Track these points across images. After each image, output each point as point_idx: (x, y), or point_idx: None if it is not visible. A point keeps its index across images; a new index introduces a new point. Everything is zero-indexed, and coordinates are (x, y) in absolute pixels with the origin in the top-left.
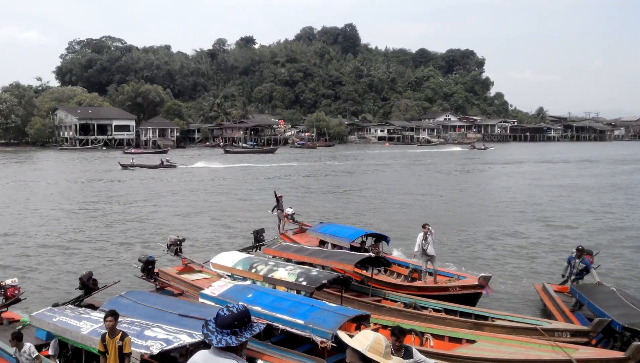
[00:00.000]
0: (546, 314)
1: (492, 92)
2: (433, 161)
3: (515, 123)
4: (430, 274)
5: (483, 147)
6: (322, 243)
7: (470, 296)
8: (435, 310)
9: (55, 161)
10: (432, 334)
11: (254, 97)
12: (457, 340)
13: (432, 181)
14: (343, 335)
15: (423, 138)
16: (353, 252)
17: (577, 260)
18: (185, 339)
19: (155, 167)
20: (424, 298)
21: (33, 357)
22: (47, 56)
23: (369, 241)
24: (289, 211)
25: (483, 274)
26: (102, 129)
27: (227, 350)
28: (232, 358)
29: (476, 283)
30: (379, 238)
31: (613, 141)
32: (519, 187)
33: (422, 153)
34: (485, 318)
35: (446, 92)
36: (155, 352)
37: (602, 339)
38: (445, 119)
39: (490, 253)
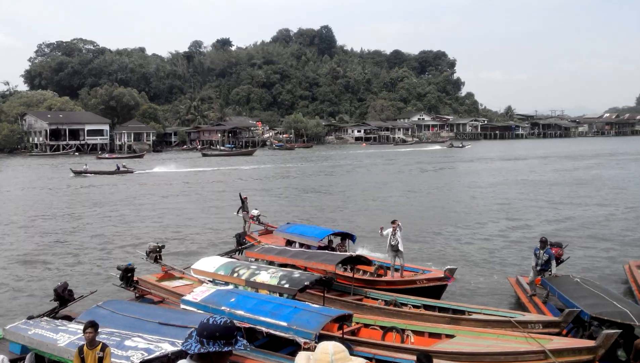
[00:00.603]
0: (520, 306)
1: (464, 92)
2: (412, 160)
3: (486, 122)
4: (397, 270)
5: (460, 145)
6: (290, 243)
7: (436, 289)
8: (414, 307)
9: (22, 168)
10: (412, 330)
11: (232, 99)
12: (437, 336)
13: (408, 179)
14: (299, 357)
15: (399, 137)
16: (334, 252)
17: (541, 251)
18: (167, 348)
19: (111, 173)
20: (402, 295)
21: None
22: (14, 59)
23: (336, 240)
24: (254, 212)
25: (449, 266)
26: (74, 134)
27: (199, 360)
28: None
29: (442, 275)
30: (345, 236)
31: (577, 138)
32: (491, 184)
33: (402, 152)
34: (463, 312)
35: (420, 92)
36: (137, 361)
37: (572, 329)
38: (419, 118)
39: (465, 249)
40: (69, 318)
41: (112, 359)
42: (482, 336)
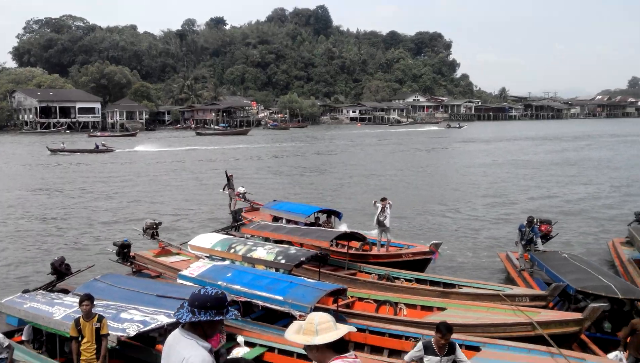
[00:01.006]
0: (510, 280)
1: (459, 73)
2: (406, 141)
3: (480, 103)
4: (383, 246)
5: (458, 126)
6: (277, 219)
7: (421, 262)
8: (406, 280)
9: (11, 145)
10: (405, 304)
11: (226, 79)
12: (429, 309)
13: (401, 159)
14: (289, 333)
15: (393, 118)
16: (329, 229)
17: (527, 229)
18: (162, 319)
19: (90, 152)
20: (395, 269)
21: (4, 345)
22: (2, 36)
23: (323, 217)
24: (240, 190)
25: (434, 241)
26: (65, 112)
27: (190, 329)
28: (192, 339)
29: (427, 249)
30: (331, 213)
31: (569, 119)
32: (482, 164)
33: (396, 132)
34: (453, 286)
35: (415, 73)
36: (132, 333)
37: (558, 302)
38: (414, 99)
39: (456, 226)
40: (66, 292)
41: (109, 332)
42: (472, 309)
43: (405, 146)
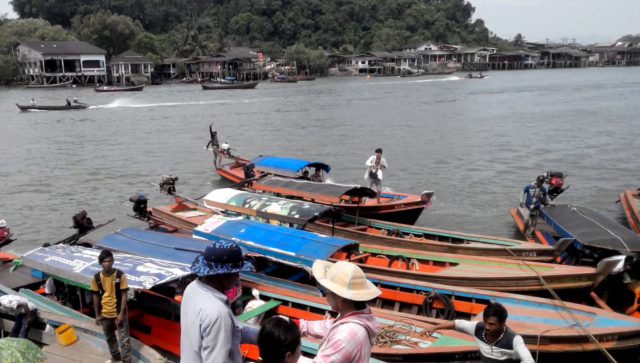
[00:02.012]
0: (520, 236)
1: (473, 19)
2: (417, 93)
3: (495, 51)
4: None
5: (479, 76)
6: (264, 174)
7: (413, 212)
8: (416, 236)
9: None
10: (417, 259)
11: (230, 28)
12: (441, 264)
13: (409, 112)
14: (316, 265)
15: (404, 68)
16: (339, 184)
17: (536, 189)
18: (177, 272)
19: (62, 108)
20: (404, 224)
21: (15, 307)
22: None
23: (311, 171)
24: (224, 146)
25: (426, 191)
26: (70, 66)
27: (207, 282)
28: (208, 291)
29: (419, 199)
30: (320, 167)
31: (587, 68)
32: (494, 116)
33: (408, 84)
34: (461, 241)
35: (427, 20)
36: (149, 286)
37: (567, 256)
38: (426, 48)
39: (466, 182)
40: (88, 245)
41: (128, 285)
42: (484, 264)
43: (413, 98)
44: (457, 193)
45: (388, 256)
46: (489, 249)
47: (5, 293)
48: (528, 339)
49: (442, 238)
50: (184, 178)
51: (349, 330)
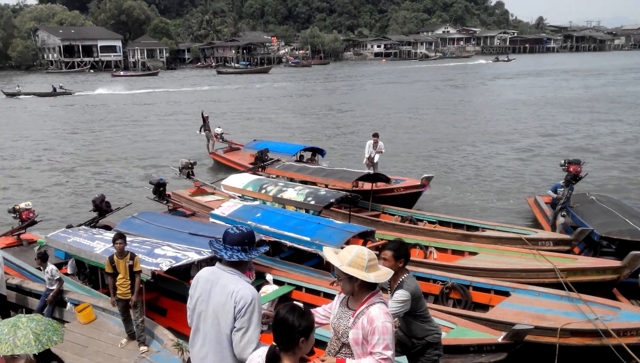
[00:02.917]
0: (537, 225)
1: (493, 1)
2: (434, 77)
3: (515, 34)
4: None
5: (506, 59)
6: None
7: (412, 196)
8: (429, 222)
9: (37, 85)
10: (435, 247)
11: (245, 12)
12: (460, 253)
13: (425, 97)
14: (327, 251)
15: (421, 52)
16: (351, 170)
17: (565, 189)
18: (193, 256)
19: (48, 95)
20: (417, 211)
21: (55, 278)
22: None
23: (307, 155)
24: (217, 130)
25: (425, 175)
26: (88, 51)
27: (232, 266)
28: (236, 274)
29: (418, 183)
30: (315, 151)
31: (612, 51)
32: (511, 101)
33: (424, 68)
34: (476, 228)
35: (446, 2)
36: (165, 268)
37: (585, 247)
38: (444, 31)
39: (482, 169)
40: (107, 228)
41: (142, 265)
42: (504, 254)
43: (432, 82)
44: (472, 180)
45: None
46: (505, 237)
47: (31, 272)
48: (548, 331)
49: (456, 226)
50: (166, 163)
51: (381, 309)
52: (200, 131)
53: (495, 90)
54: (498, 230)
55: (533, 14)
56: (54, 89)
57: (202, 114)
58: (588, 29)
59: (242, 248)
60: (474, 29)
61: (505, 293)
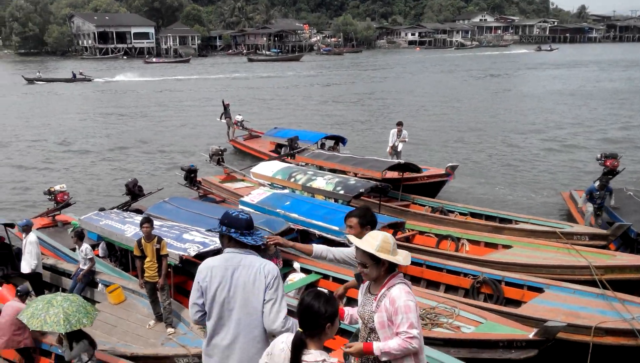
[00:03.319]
0: (571, 220)
1: None
2: (470, 66)
3: (555, 23)
4: None
5: (549, 48)
6: (280, 146)
7: (436, 185)
8: (461, 214)
9: (61, 71)
10: (468, 239)
11: None
12: (493, 246)
13: (461, 87)
14: (352, 238)
15: (456, 40)
16: (382, 159)
17: (601, 192)
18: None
19: (67, 81)
20: (448, 202)
21: (88, 257)
22: None
23: (328, 143)
24: (238, 118)
25: (450, 164)
26: (121, 37)
27: (248, 247)
28: (254, 254)
29: (443, 172)
30: (337, 139)
31: None
32: (549, 92)
33: (460, 57)
34: (509, 221)
35: None
36: (192, 253)
37: (621, 244)
38: (481, 20)
39: (517, 162)
40: (139, 212)
41: (171, 250)
42: (540, 248)
43: (469, 71)
44: (504, 172)
45: (436, 235)
46: (538, 231)
47: (65, 253)
48: (582, 330)
49: (489, 218)
50: (196, 150)
51: (402, 289)
52: (220, 118)
53: (533, 80)
54: (532, 223)
55: (574, 3)
56: (74, 75)
57: (223, 102)
58: (633, 18)
59: (254, 232)
60: (512, 17)
61: (539, 290)
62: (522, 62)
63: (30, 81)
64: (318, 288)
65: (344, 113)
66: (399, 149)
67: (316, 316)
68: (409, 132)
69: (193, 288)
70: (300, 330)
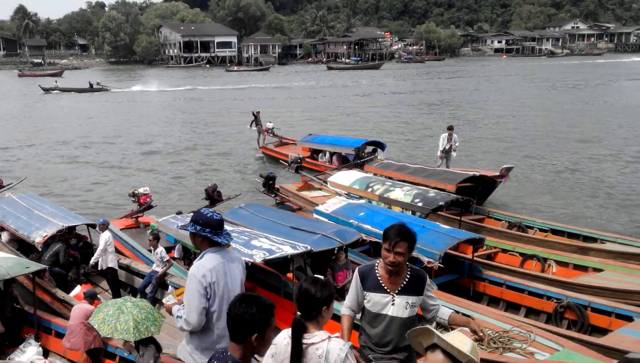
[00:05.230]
0: None
1: None
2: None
3: None
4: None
5: None
6: (316, 152)
7: (486, 188)
8: (540, 230)
9: (162, 79)
10: (555, 260)
11: (359, 8)
12: (583, 268)
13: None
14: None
15: (546, 48)
16: (454, 171)
17: None
18: (287, 250)
19: (84, 91)
20: (527, 217)
21: (164, 260)
22: None
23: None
24: (269, 125)
25: (505, 165)
26: (205, 47)
27: (223, 246)
28: (231, 252)
29: (497, 174)
30: (376, 145)
31: None
32: None
33: (556, 65)
34: (595, 240)
35: None
36: (258, 260)
37: None
38: (573, 27)
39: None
40: None
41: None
42: (634, 273)
43: (564, 80)
44: (588, 187)
45: (521, 254)
46: (628, 252)
47: (142, 253)
48: None
49: (571, 235)
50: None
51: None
52: (250, 126)
53: (628, 92)
54: (620, 243)
55: None
56: (91, 85)
57: (253, 112)
58: None
59: (224, 232)
60: (607, 24)
61: (628, 318)
62: (624, 72)
63: (47, 91)
64: (315, 275)
65: (402, 121)
66: (452, 153)
67: (313, 300)
68: (476, 143)
69: (196, 293)
70: (299, 314)
